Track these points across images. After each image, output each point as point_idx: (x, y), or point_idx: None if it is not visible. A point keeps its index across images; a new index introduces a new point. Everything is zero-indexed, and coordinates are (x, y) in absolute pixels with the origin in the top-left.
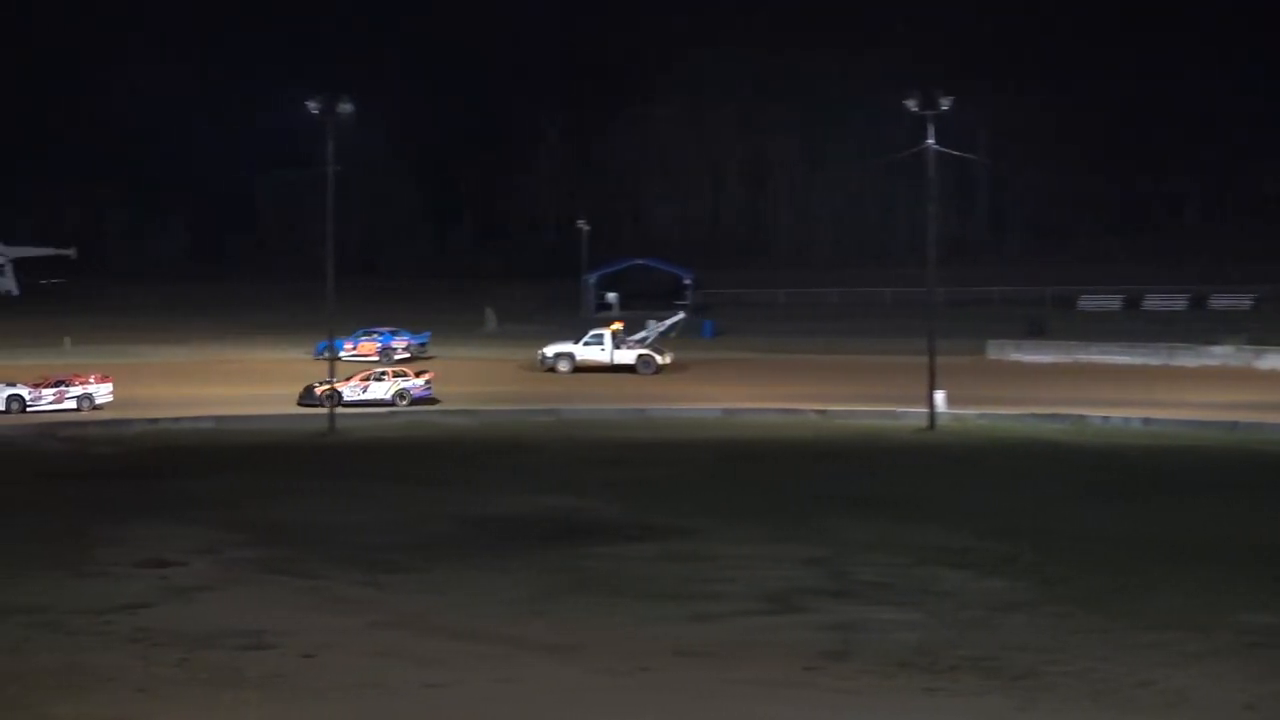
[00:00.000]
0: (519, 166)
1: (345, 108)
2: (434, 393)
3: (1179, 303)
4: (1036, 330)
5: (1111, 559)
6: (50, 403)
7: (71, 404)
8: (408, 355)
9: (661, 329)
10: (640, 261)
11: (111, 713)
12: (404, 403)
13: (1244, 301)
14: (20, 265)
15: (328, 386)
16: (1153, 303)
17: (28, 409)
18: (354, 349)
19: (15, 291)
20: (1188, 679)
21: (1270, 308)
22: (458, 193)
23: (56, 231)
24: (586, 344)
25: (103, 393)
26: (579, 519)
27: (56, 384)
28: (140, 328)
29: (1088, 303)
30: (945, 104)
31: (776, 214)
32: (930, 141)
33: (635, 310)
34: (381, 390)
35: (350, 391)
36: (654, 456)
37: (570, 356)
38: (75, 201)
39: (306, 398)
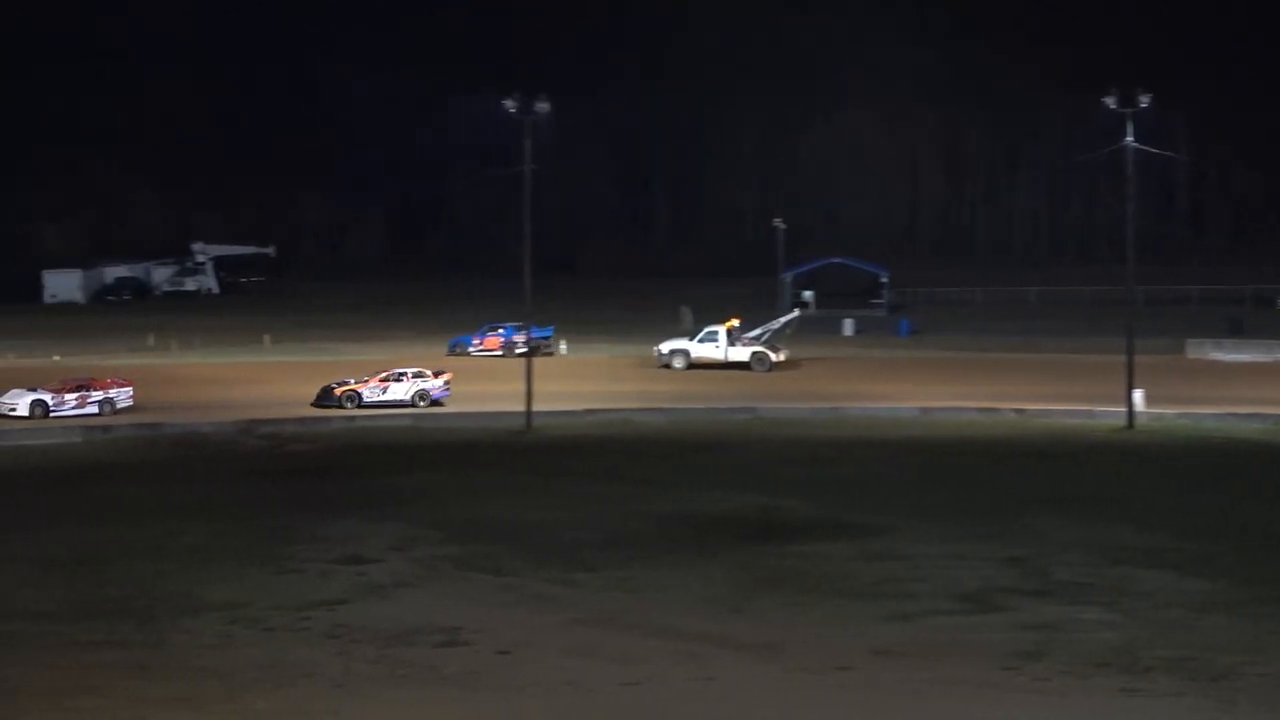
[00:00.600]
0: (717, 166)
1: (542, 107)
2: (451, 393)
3: None
4: (1236, 329)
5: None
6: (73, 407)
7: (94, 409)
8: (526, 350)
9: (776, 326)
10: (837, 260)
11: (310, 707)
12: (424, 404)
13: None
14: (221, 264)
15: (347, 388)
16: None
17: (51, 414)
18: (480, 344)
19: (215, 290)
20: None
21: None
22: (655, 192)
23: (258, 231)
24: (701, 341)
25: (123, 397)
26: (776, 517)
27: (78, 388)
28: (338, 326)
29: None
30: (1144, 101)
31: (973, 213)
32: (1129, 139)
33: (832, 309)
34: (401, 391)
35: (370, 393)
36: (850, 455)
37: (685, 353)
38: (277, 201)
39: (324, 399)
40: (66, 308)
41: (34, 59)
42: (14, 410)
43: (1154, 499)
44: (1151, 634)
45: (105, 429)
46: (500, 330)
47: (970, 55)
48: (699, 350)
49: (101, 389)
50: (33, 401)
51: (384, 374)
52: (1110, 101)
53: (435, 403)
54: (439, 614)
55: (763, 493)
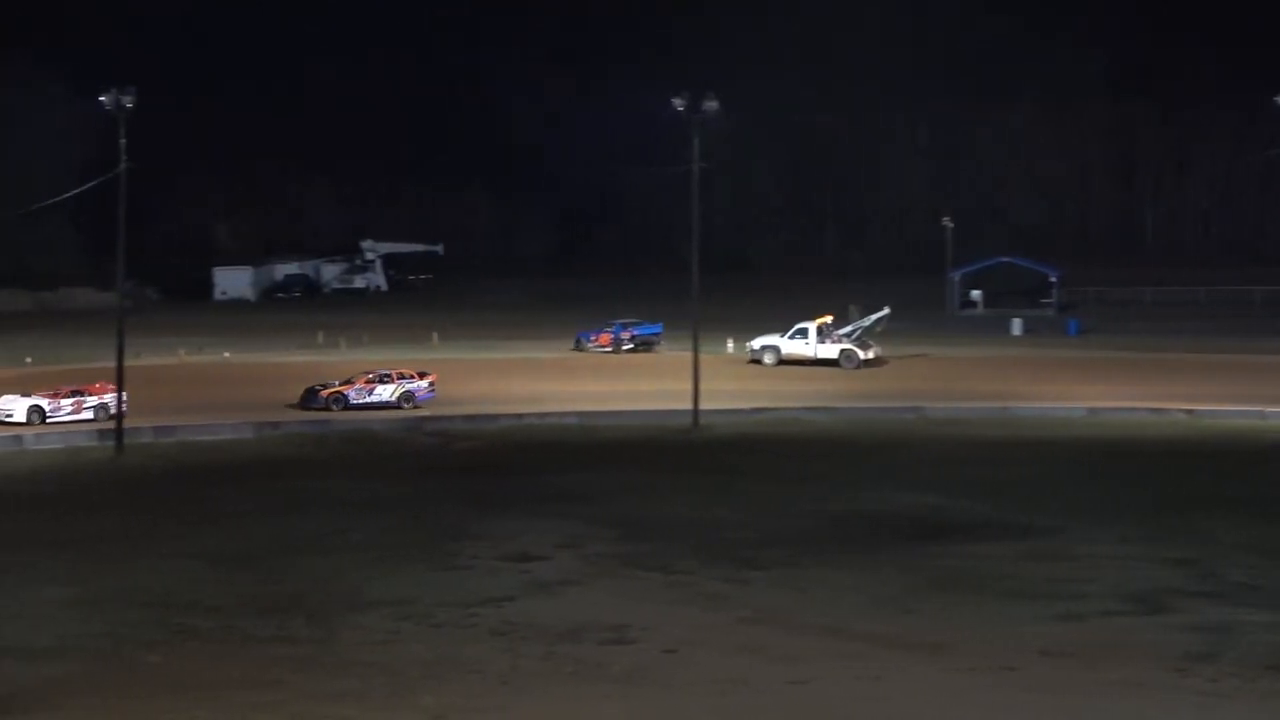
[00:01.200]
0: (885, 164)
1: (710, 105)
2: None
3: None
4: None
5: None
6: (69, 413)
7: (89, 414)
8: (630, 346)
9: (867, 324)
10: (1006, 259)
11: (476, 704)
12: (409, 405)
13: None
14: (390, 261)
15: (333, 390)
16: None
17: (48, 419)
18: (596, 340)
19: (384, 287)
20: None
21: None
22: (824, 190)
23: (427, 229)
24: (791, 338)
25: (114, 403)
26: (945, 517)
27: (73, 394)
28: (505, 323)
29: None
30: None
31: (1143, 212)
32: None
33: (1001, 308)
34: (387, 393)
35: (356, 394)
36: (1019, 455)
37: (776, 350)
38: (446, 200)
39: (308, 400)
40: (237, 305)
41: (207, 61)
42: (10, 415)
43: None
44: None
45: (275, 425)
46: (609, 327)
47: (1141, 54)
48: (789, 347)
49: (96, 394)
50: (30, 407)
51: (370, 375)
52: None
53: (419, 405)
54: (606, 611)
55: (932, 492)
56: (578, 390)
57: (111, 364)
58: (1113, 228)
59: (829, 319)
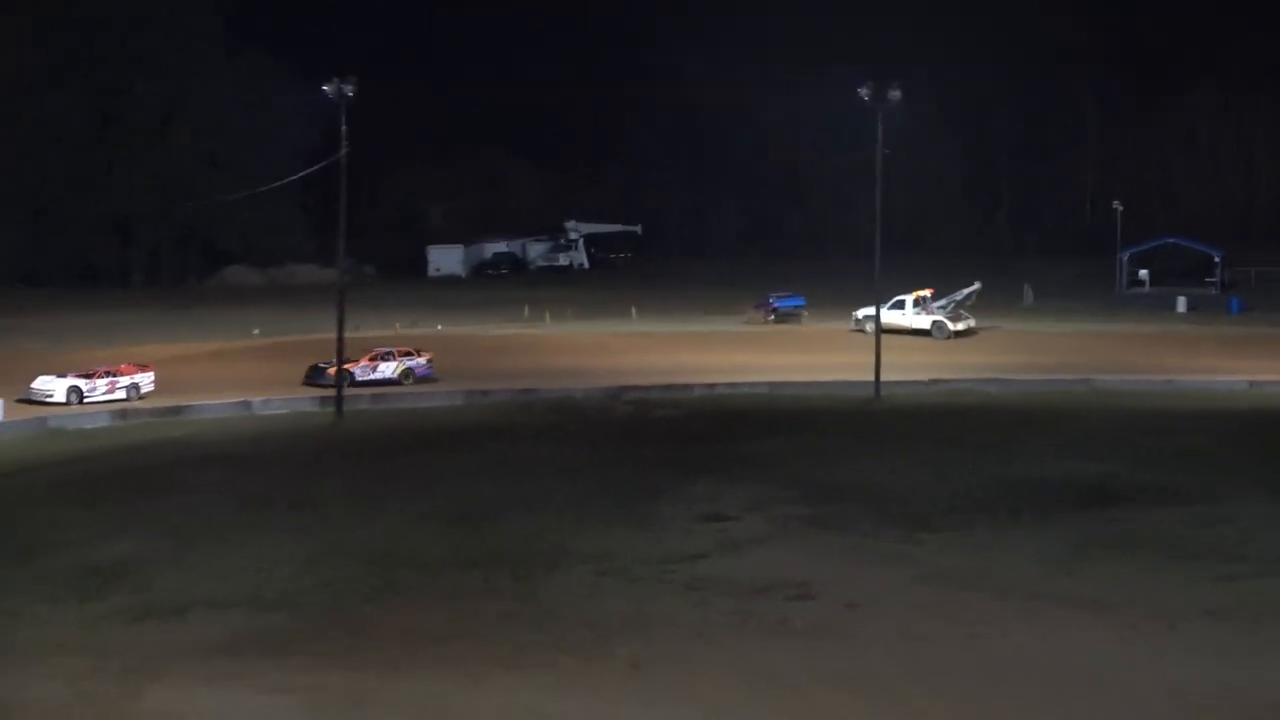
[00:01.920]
0: (1058, 147)
1: (894, 94)
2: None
3: None
4: None
5: None
6: (104, 393)
7: (121, 394)
8: (771, 318)
9: (959, 298)
10: (1171, 240)
11: (670, 655)
12: (409, 381)
13: None
14: (591, 241)
15: (335, 367)
16: None
17: (85, 399)
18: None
19: (586, 265)
20: None
21: None
22: (999, 173)
23: (628, 210)
24: (890, 309)
25: (146, 382)
26: (1112, 484)
27: (107, 374)
28: (699, 300)
29: None
30: None
31: None
32: None
33: (1166, 286)
34: (389, 370)
35: (361, 372)
36: (1183, 425)
37: (872, 319)
38: (645, 184)
39: (314, 377)
40: (449, 281)
41: (423, 49)
42: (51, 396)
43: None
44: None
45: (484, 393)
46: (767, 300)
47: None
48: (888, 317)
49: (127, 374)
50: (69, 387)
51: (373, 354)
52: None
53: (420, 380)
54: (791, 569)
55: (1099, 460)
56: (766, 362)
57: (330, 335)
58: (1276, 211)
59: (927, 292)
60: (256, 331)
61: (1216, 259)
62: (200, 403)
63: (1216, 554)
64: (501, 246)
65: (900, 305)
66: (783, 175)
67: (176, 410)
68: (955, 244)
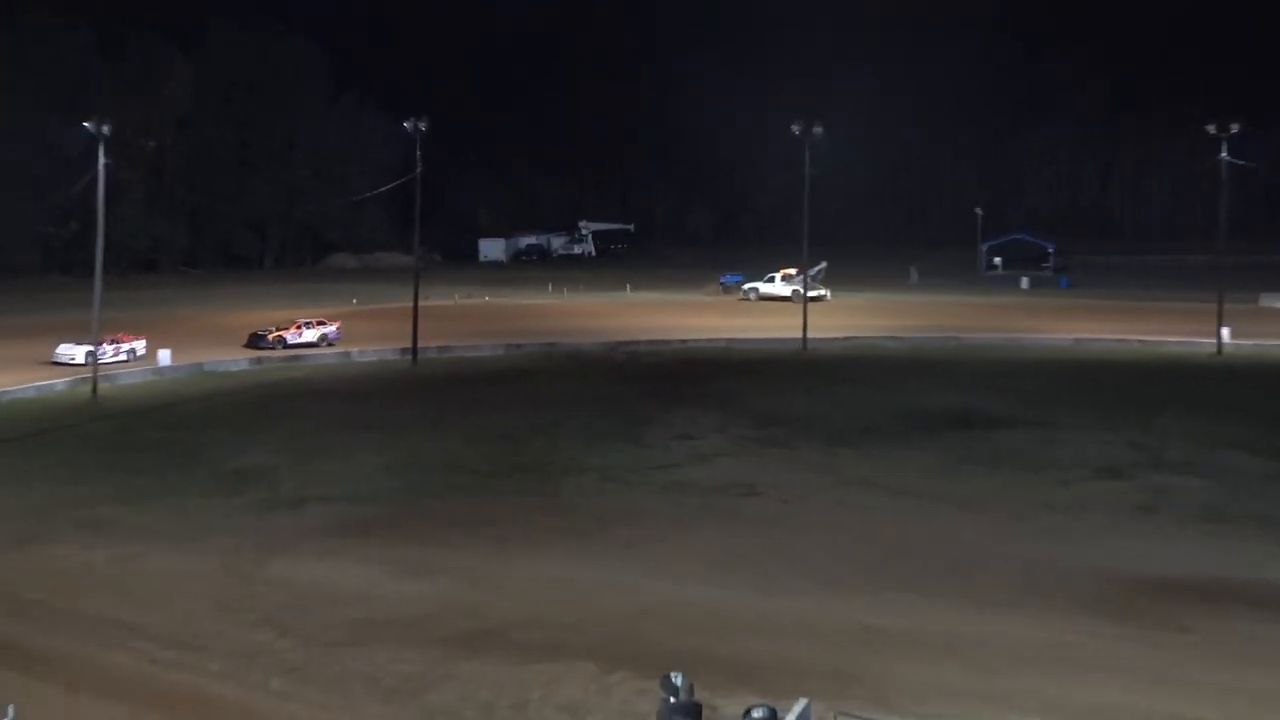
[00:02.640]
0: (941, 165)
1: (818, 130)
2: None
3: None
4: None
5: None
6: (111, 356)
7: (125, 356)
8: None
9: (812, 273)
10: (1018, 236)
11: (654, 536)
12: (325, 344)
13: None
14: (597, 235)
15: (276, 334)
16: None
17: (100, 361)
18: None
19: (593, 253)
20: None
21: None
22: (899, 184)
23: (624, 211)
24: (766, 282)
25: (140, 347)
26: (973, 413)
27: (114, 341)
28: (677, 279)
29: None
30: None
31: (1122, 202)
32: (1223, 155)
33: (1014, 269)
34: (312, 336)
35: (291, 337)
36: (1026, 370)
37: (756, 289)
38: (637, 191)
39: (255, 341)
40: (493, 265)
41: (474, 85)
42: (74, 359)
43: (1236, 402)
44: (1231, 497)
45: (518, 345)
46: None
47: (1127, 82)
48: (765, 288)
49: (129, 341)
50: (86, 351)
51: (298, 323)
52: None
53: (331, 342)
54: (742, 474)
55: (965, 395)
56: (724, 324)
57: (407, 303)
58: (1096, 214)
59: (792, 270)
60: (355, 301)
61: (1050, 250)
62: (314, 354)
63: (1053, 465)
64: (532, 239)
65: (771, 280)
66: (741, 186)
67: (296, 358)
68: (863, 237)
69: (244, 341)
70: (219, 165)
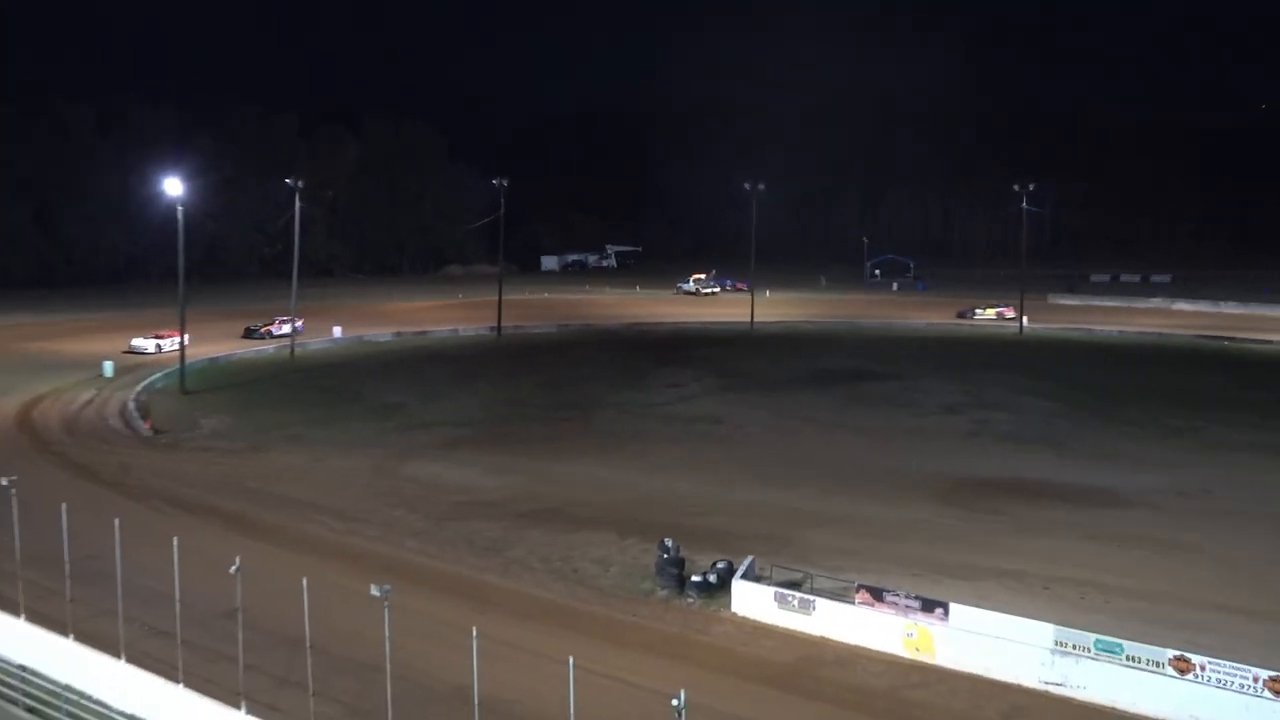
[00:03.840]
0: (840, 207)
1: (760, 187)
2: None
3: None
4: (1071, 288)
5: (1105, 393)
6: (173, 345)
7: (173, 346)
8: (709, 291)
9: (703, 277)
10: (890, 256)
11: (652, 449)
12: (295, 334)
13: None
14: (618, 255)
15: (266, 327)
16: None
17: (163, 350)
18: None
19: (614, 266)
20: (1139, 449)
21: None
22: (814, 220)
23: (633, 237)
24: (686, 282)
25: (174, 342)
26: (861, 370)
27: (167, 336)
28: (668, 283)
29: None
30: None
31: (959, 232)
32: (1024, 206)
33: (887, 278)
34: (288, 329)
35: (275, 329)
36: (895, 342)
37: (680, 288)
38: (643, 225)
39: (250, 334)
40: (550, 273)
41: (531, 150)
42: (145, 350)
43: (1035, 366)
44: (1028, 426)
45: (566, 325)
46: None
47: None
48: (685, 286)
49: (171, 336)
50: (154, 344)
51: (280, 319)
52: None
53: (299, 333)
54: (712, 410)
55: (856, 359)
56: (698, 312)
57: (474, 299)
58: (940, 242)
59: (702, 275)
60: (460, 296)
61: (911, 265)
62: (434, 329)
63: (912, 404)
64: (575, 256)
65: (688, 281)
66: (710, 220)
67: (424, 333)
68: (790, 256)
69: (241, 333)
70: (374, 207)
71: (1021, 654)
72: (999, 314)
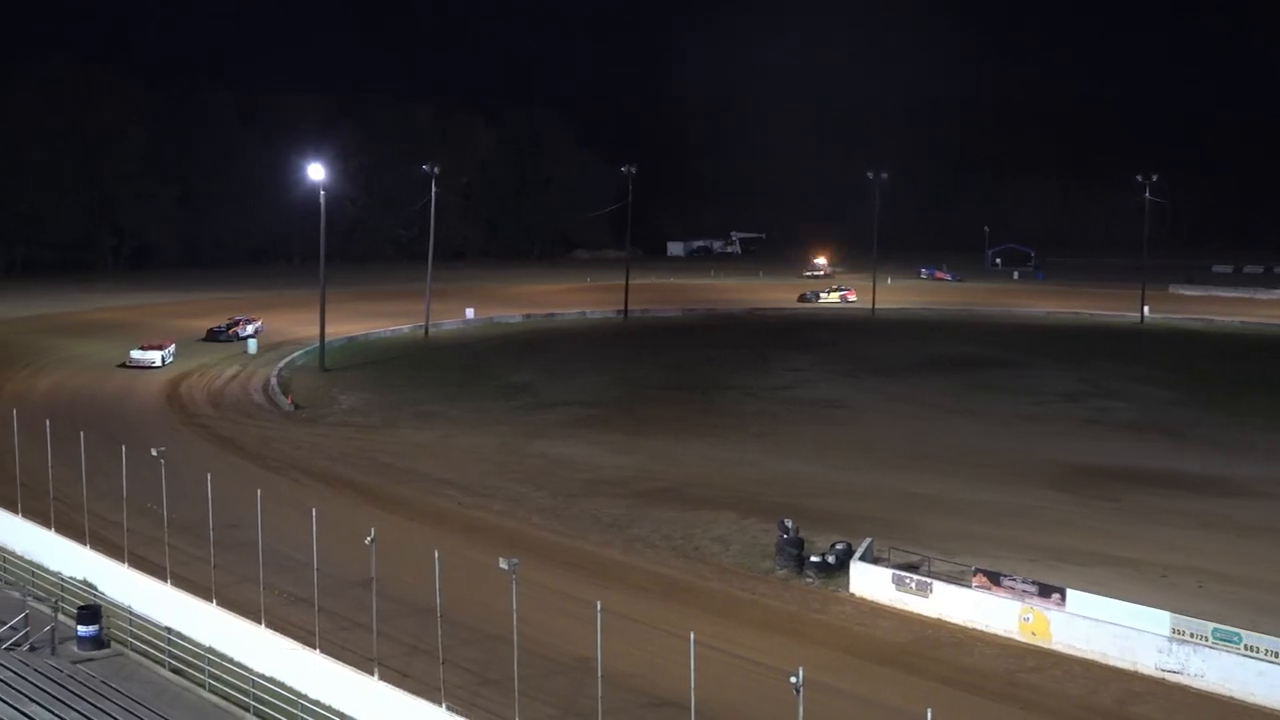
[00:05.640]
0: (964, 196)
1: (884, 176)
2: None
3: None
4: (1190, 279)
5: (1226, 383)
6: (171, 351)
7: (172, 351)
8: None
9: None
10: (1010, 245)
11: (772, 430)
12: (259, 335)
13: None
14: (742, 241)
15: (234, 329)
16: None
17: (239, 337)
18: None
19: (739, 252)
20: (1260, 439)
21: None
22: (949, 210)
23: (751, 227)
24: (811, 268)
25: (172, 351)
26: (978, 357)
27: (247, 322)
28: (793, 271)
29: None
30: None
31: (1071, 221)
32: (1148, 195)
33: (1008, 267)
34: (251, 329)
35: (241, 330)
36: (1016, 329)
37: (806, 275)
38: (758, 207)
39: (213, 336)
40: (675, 260)
41: (658, 138)
42: (151, 361)
43: (1150, 354)
44: (1147, 415)
45: (690, 309)
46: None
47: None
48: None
49: (169, 346)
50: (158, 355)
51: (243, 319)
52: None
53: (259, 333)
54: (832, 393)
55: (973, 345)
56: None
57: (601, 283)
58: (1060, 232)
59: (822, 259)
60: (588, 280)
61: (1031, 254)
62: (561, 312)
63: (1029, 391)
64: (700, 243)
65: (812, 267)
66: (837, 210)
67: (552, 316)
68: (912, 245)
69: (203, 336)
70: (505, 193)
71: (1138, 640)
72: (842, 297)
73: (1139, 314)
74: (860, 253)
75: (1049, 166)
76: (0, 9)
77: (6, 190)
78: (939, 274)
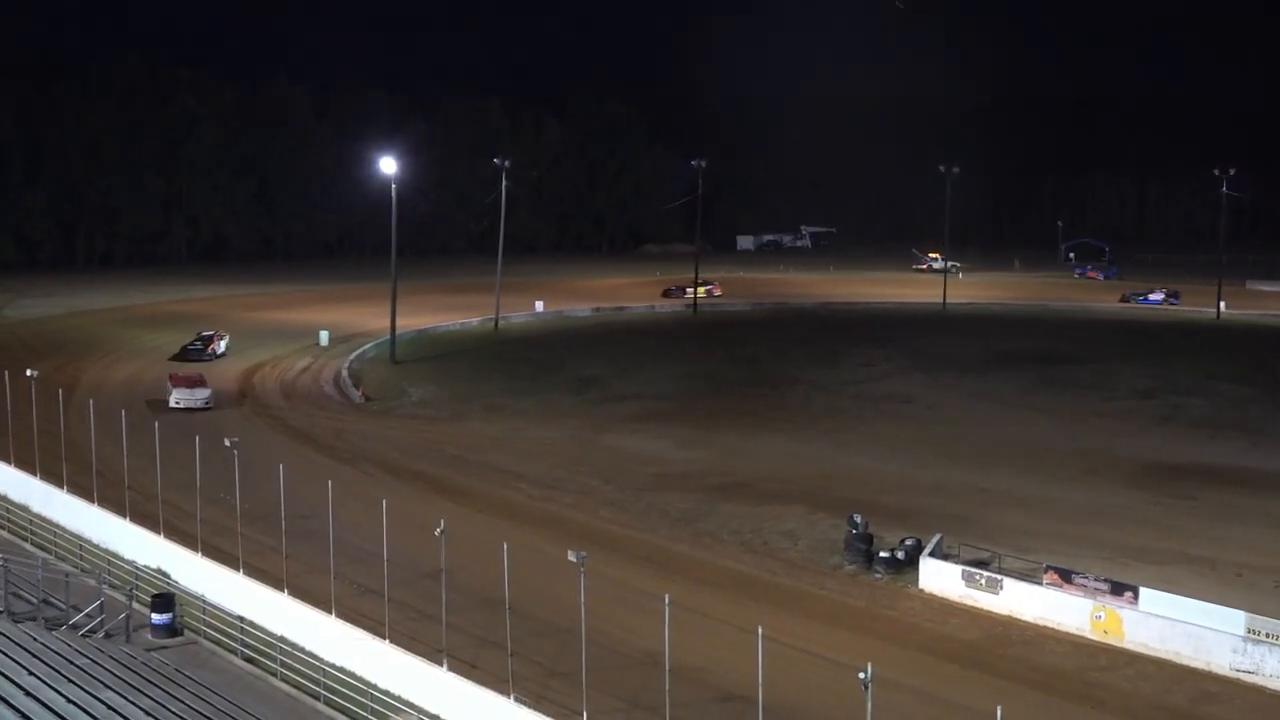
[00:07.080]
0: (1031, 195)
1: (955, 170)
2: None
3: None
4: (1269, 274)
5: None
6: (222, 349)
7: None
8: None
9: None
10: (1084, 240)
11: (843, 424)
12: (230, 351)
13: None
14: (813, 235)
15: (211, 345)
16: None
17: (215, 354)
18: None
19: (810, 246)
20: None
21: None
22: (1020, 210)
23: (825, 220)
24: (922, 260)
25: (224, 345)
26: (1051, 352)
27: (218, 338)
28: (865, 263)
29: None
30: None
31: (1146, 216)
32: (1224, 189)
33: (1081, 263)
34: (222, 346)
35: (216, 348)
36: (1086, 325)
37: (916, 267)
38: (829, 203)
39: (184, 355)
40: (746, 252)
41: (725, 132)
42: (191, 403)
43: (1227, 351)
44: (1222, 412)
45: (760, 303)
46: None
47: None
48: (926, 265)
49: (222, 339)
50: (204, 398)
51: (216, 337)
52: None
53: (229, 349)
54: (902, 388)
55: (1046, 341)
56: (889, 292)
57: (670, 277)
58: (1135, 227)
59: (936, 255)
60: (657, 274)
61: (1105, 249)
62: (631, 305)
63: (1103, 387)
64: (770, 236)
65: (923, 258)
66: (907, 204)
67: (621, 309)
68: (984, 239)
69: (173, 354)
70: (575, 187)
71: (1212, 640)
72: (708, 292)
73: (1215, 310)
74: (930, 247)
75: (1128, 160)
76: (77, 6)
77: (85, 184)
78: (1090, 273)
